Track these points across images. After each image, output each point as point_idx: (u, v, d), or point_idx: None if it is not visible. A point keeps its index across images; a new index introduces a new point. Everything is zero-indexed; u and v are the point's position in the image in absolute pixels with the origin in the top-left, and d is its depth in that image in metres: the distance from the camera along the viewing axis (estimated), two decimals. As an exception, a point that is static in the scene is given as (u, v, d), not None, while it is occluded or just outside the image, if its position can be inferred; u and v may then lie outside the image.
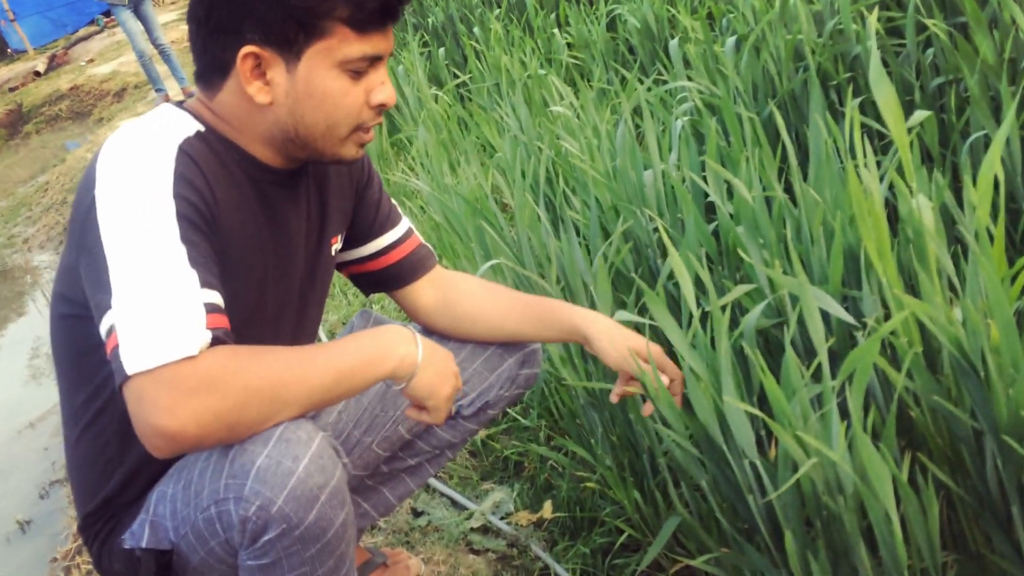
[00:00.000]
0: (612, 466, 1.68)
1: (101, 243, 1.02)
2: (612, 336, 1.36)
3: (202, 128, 1.14)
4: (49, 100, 9.32)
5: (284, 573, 1.10)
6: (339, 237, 1.36)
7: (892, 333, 1.10)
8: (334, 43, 1.10)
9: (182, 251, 1.02)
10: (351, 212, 1.37)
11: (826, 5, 2.20)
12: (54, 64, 10.91)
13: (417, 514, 1.88)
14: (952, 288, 1.22)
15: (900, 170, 1.32)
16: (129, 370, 0.96)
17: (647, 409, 1.43)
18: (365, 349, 1.13)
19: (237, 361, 1.00)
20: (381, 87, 1.17)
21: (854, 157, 1.25)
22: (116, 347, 0.97)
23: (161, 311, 0.98)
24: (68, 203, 5.85)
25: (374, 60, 1.14)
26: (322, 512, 1.07)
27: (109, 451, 1.21)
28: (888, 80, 1.12)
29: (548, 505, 1.86)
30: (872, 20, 1.62)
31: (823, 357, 1.01)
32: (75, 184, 6.13)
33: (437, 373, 1.21)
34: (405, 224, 1.45)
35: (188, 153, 1.09)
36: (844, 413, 1.16)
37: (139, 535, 1.17)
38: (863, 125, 1.85)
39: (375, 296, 3.02)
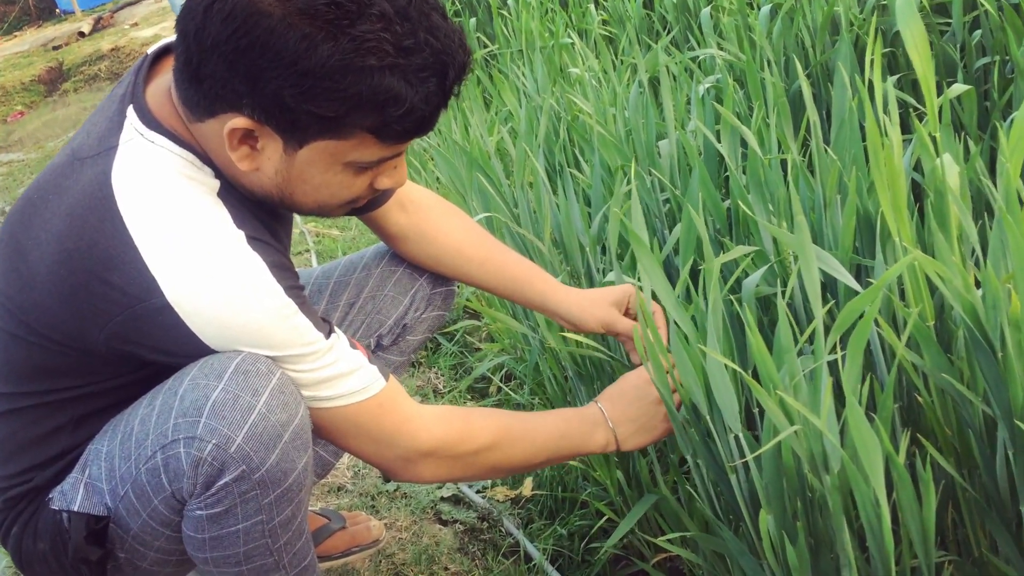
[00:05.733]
0: (595, 442, 1.56)
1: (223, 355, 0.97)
2: (589, 304, 1.30)
3: (212, 175, 1.00)
4: (89, 60, 9.34)
5: (237, 522, 0.98)
6: None
7: (903, 297, 0.97)
8: (349, 145, 0.95)
9: (319, 330, 1.02)
10: None
11: (869, -22, 2.07)
12: (99, 26, 10.96)
13: (387, 479, 1.78)
14: (977, 264, 1.10)
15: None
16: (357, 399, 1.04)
17: (636, 358, 1.32)
18: (566, 447, 1.19)
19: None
20: (392, 172, 1.02)
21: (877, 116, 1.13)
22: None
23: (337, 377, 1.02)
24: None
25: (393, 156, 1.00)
26: (284, 453, 0.96)
27: (47, 428, 1.07)
28: (918, 17, 1.00)
29: (528, 482, 1.75)
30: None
31: (818, 313, 0.88)
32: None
33: (643, 429, 1.21)
34: None
35: (255, 238, 0.98)
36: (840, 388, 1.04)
37: (71, 496, 1.04)
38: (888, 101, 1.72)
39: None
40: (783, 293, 1.07)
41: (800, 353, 1.00)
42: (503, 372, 2.18)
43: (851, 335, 0.86)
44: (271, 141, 0.95)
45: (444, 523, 1.64)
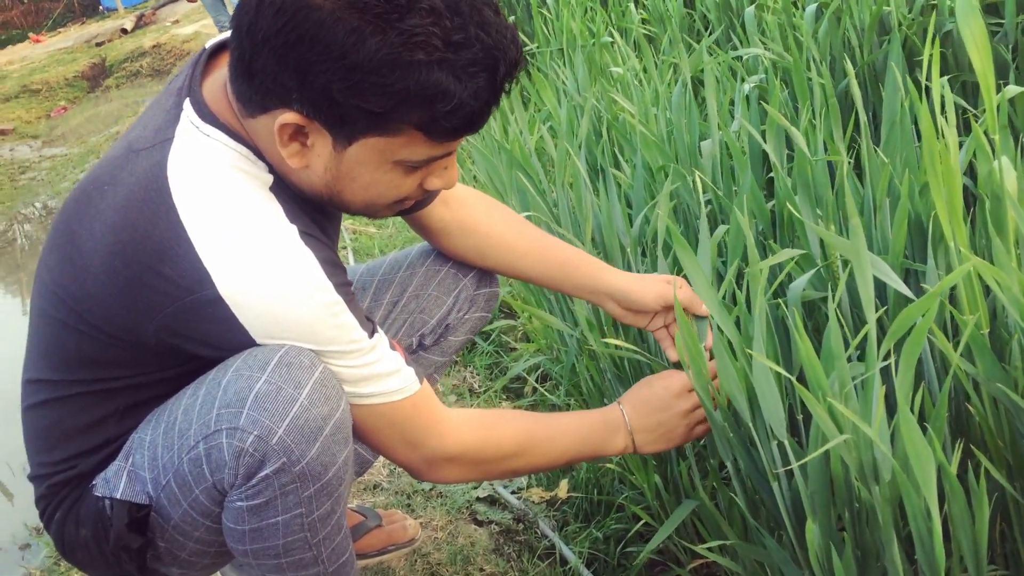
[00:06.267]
0: (634, 445, 1.54)
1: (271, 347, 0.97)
2: (643, 281, 1.29)
3: (266, 169, 1.00)
4: (131, 56, 9.47)
5: (277, 515, 0.98)
6: None
7: (952, 302, 0.95)
8: (398, 143, 0.94)
9: (364, 329, 1.02)
10: None
11: (919, -22, 2.03)
12: (141, 23, 11.12)
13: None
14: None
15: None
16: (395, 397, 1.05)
17: (673, 354, 1.30)
18: (586, 452, 1.21)
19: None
20: (443, 173, 1.01)
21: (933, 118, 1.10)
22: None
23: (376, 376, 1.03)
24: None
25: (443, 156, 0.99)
26: (325, 446, 0.96)
27: (93, 417, 1.08)
28: (979, 16, 0.97)
29: (564, 484, 1.74)
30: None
31: (871, 320, 0.86)
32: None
33: (662, 439, 1.21)
34: None
35: (307, 233, 0.98)
36: (891, 396, 1.01)
37: (114, 484, 1.04)
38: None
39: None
40: (832, 297, 1.04)
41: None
42: (539, 372, 2.16)
43: (904, 343, 0.84)
44: (321, 138, 0.94)
45: (480, 523, 1.63)
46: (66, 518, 1.09)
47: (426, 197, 1.16)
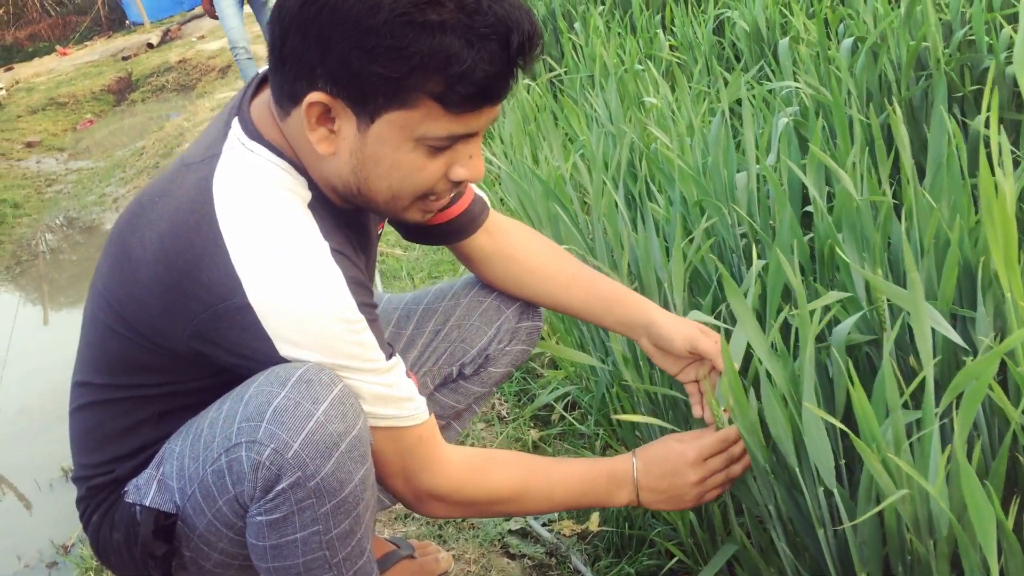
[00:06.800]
0: (668, 481, 1.53)
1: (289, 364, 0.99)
2: (677, 321, 1.29)
3: (306, 185, 1.03)
4: (157, 71, 9.56)
5: (295, 531, 1.00)
6: (384, 220, 1.28)
7: (1009, 354, 0.94)
8: (416, 117, 0.95)
9: (383, 350, 1.04)
10: None
11: (956, 14, 2.02)
12: (167, 38, 11.22)
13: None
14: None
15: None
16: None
17: (698, 411, 1.29)
18: (586, 502, 1.21)
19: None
20: (468, 162, 1.01)
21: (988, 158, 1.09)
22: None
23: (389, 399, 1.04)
24: (160, 168, 5.95)
25: (465, 137, 0.99)
26: (340, 463, 0.98)
27: (131, 421, 1.12)
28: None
29: (595, 517, 1.72)
30: (1009, 31, 1.45)
31: (929, 374, 0.85)
32: (168, 149, 6.24)
33: (668, 501, 1.20)
34: None
35: (339, 251, 1.01)
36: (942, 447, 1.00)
37: (145, 491, 1.09)
38: (988, 140, 1.67)
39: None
40: (883, 339, 1.03)
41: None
42: (567, 400, 2.15)
43: (963, 398, 0.83)
44: (346, 121, 0.97)
45: (512, 557, 1.62)
46: (102, 521, 1.13)
47: (454, 196, 1.14)
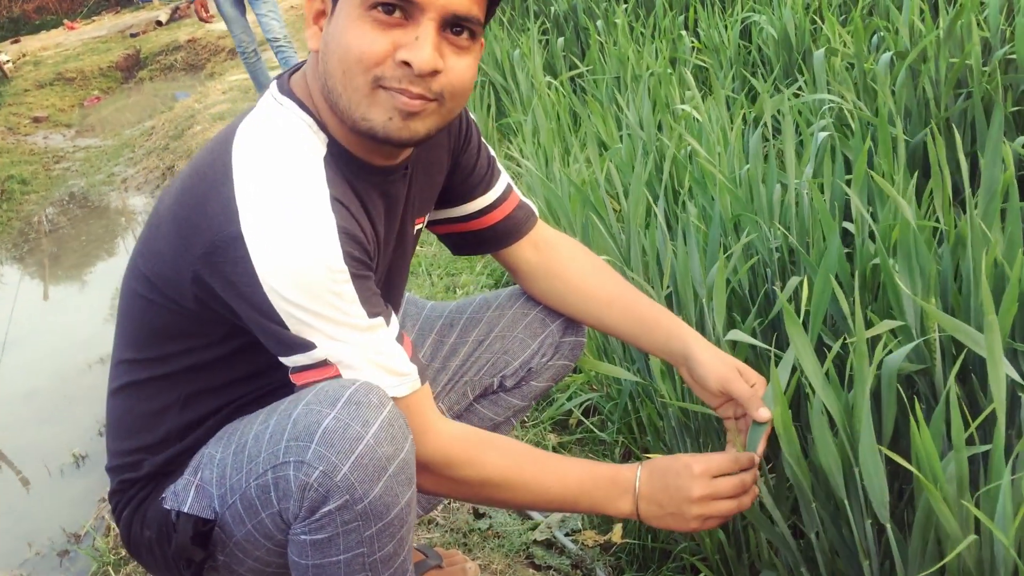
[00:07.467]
0: (698, 498, 1.52)
1: (272, 306, 0.98)
2: (714, 357, 1.25)
3: (325, 141, 1.05)
4: (166, 50, 9.51)
5: (339, 553, 0.99)
6: (425, 217, 1.27)
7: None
8: None
9: (364, 306, 1.01)
10: (442, 183, 1.27)
11: (996, 32, 2.00)
12: (176, 16, 11.16)
13: (479, 515, 1.75)
14: None
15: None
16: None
17: (731, 450, 1.26)
18: (583, 504, 1.15)
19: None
20: (413, 43, 0.97)
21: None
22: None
23: (376, 364, 1.02)
24: (170, 149, 5.91)
25: (407, 6, 0.97)
26: (388, 487, 0.97)
27: (158, 405, 1.13)
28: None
29: (618, 529, 1.71)
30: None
31: (1000, 410, 0.84)
32: (179, 131, 6.20)
33: (668, 517, 1.14)
34: (502, 185, 1.32)
35: (340, 201, 1.01)
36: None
37: (183, 497, 1.08)
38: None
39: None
40: (939, 370, 1.02)
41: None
42: (585, 406, 2.14)
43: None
44: (329, 15, 1.01)
45: (538, 567, 1.61)
46: (133, 516, 1.14)
47: (404, 81, 1.01)
